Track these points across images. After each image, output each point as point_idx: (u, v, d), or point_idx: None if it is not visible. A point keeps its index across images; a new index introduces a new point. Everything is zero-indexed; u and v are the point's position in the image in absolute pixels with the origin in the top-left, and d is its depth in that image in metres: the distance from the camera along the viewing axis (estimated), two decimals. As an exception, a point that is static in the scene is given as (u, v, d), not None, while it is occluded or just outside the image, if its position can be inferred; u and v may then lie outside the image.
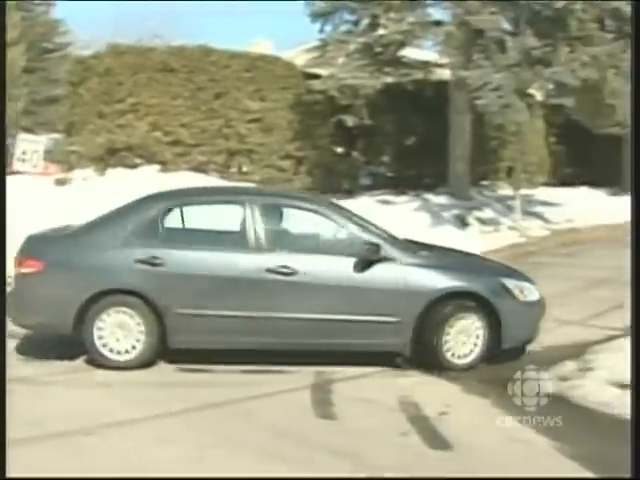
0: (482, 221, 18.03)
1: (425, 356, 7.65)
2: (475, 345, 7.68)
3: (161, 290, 7.41)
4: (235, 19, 62.21)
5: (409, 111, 20.46)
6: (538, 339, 8.26)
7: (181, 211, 8.11)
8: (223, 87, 19.18)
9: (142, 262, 7.42)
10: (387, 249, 7.63)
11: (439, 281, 7.71)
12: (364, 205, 16.84)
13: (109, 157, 18.27)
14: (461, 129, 19.06)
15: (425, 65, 19.70)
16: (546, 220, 19.86)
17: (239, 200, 7.99)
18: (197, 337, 7.53)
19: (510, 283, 7.92)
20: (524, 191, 20.62)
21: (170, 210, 7.95)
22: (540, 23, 17.10)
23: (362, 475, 5.11)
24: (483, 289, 7.73)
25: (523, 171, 21.83)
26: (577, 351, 8.13)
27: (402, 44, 18.16)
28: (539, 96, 20.91)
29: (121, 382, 6.97)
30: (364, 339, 7.64)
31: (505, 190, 21.34)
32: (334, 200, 16.75)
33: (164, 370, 7.35)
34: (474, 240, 16.50)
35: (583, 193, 23.88)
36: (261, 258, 7.51)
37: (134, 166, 18.20)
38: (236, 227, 7.79)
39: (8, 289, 7.71)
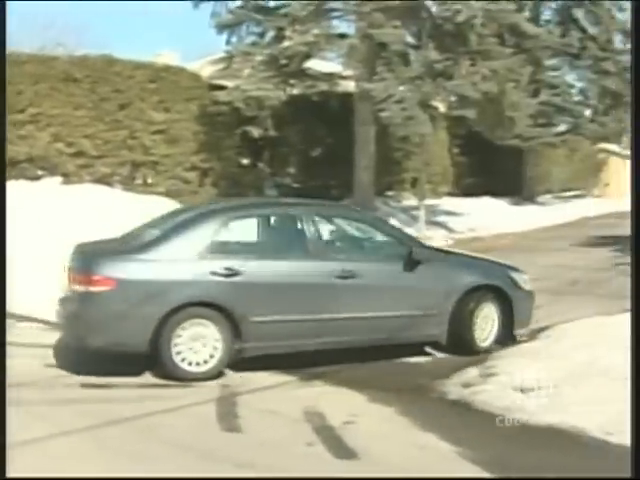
0: (387, 231, 18.26)
1: (458, 342, 8.67)
2: (492, 330, 8.83)
3: (236, 300, 7.63)
4: (142, 29, 61.71)
5: (315, 122, 20.61)
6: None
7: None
8: (127, 98, 18.91)
9: (217, 274, 7.59)
10: (425, 252, 8.69)
11: (466, 278, 8.80)
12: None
13: (10, 169, 17.77)
14: (366, 140, 19.27)
15: (330, 77, 19.85)
16: (450, 229, 20.22)
17: (297, 212, 8.50)
18: (271, 343, 7.88)
19: (516, 276, 9.16)
20: (428, 201, 20.96)
21: (235, 221, 8.22)
22: (442, 37, 17.46)
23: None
24: (500, 282, 8.95)
25: (427, 181, 22.18)
26: (479, 357, 8.29)
27: (307, 56, 18.27)
28: (442, 108, 21.27)
29: (22, 400, 6.79)
30: (411, 332, 8.50)
31: (410, 200, 21.67)
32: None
33: (68, 386, 7.19)
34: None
35: (485, 203, 24.43)
36: (326, 265, 8.10)
37: (36, 178, 17.77)
38: (294, 237, 8.36)
39: (65, 308, 7.68)
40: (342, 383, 7.52)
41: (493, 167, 26.84)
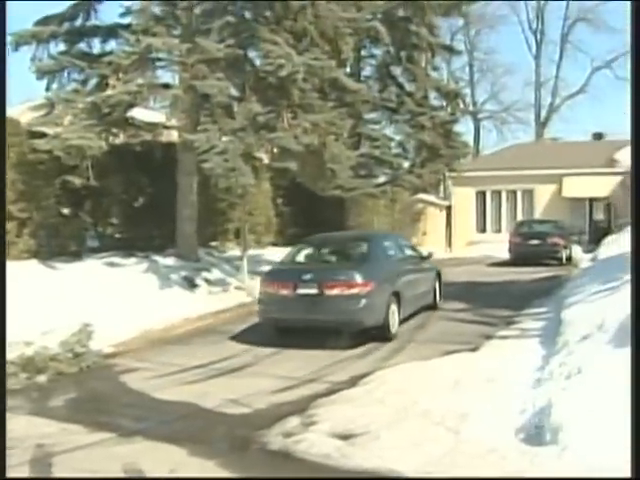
0: (210, 282, 18.13)
1: (435, 304, 15.83)
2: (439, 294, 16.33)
3: (401, 286, 13.43)
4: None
5: (138, 172, 20.36)
6: (266, 398, 8.87)
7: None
8: (-62, 144, 18.07)
9: (397, 272, 13.69)
10: (425, 257, 16.14)
11: (433, 268, 16.38)
12: (91, 268, 16.46)
13: None
14: (188, 191, 19.18)
15: (154, 127, 19.72)
16: (273, 279, 20.29)
17: (398, 240, 16.17)
18: (409, 308, 13.90)
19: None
20: (252, 251, 21.04)
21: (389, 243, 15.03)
22: (265, 90, 17.67)
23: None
24: (438, 268, 16.69)
25: (251, 232, 22.29)
26: (301, 406, 8.38)
27: (130, 105, 18.06)
28: (266, 159, 21.51)
29: None
30: (427, 300, 15.43)
31: (234, 250, 21.67)
32: (60, 262, 16.44)
33: None
34: (202, 301, 16.59)
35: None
36: (412, 266, 14.93)
37: None
38: (401, 252, 15.18)
39: (349, 304, 12.05)
40: (162, 438, 7.41)
41: (316, 217, 27.30)
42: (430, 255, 16.42)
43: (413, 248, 16.30)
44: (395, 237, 16.84)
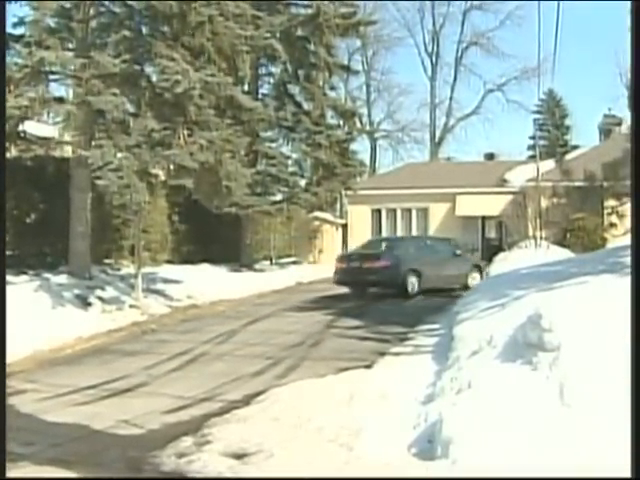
0: (104, 300, 17.80)
1: (467, 285, 22.80)
2: (475, 280, 23.55)
3: (420, 267, 22.24)
4: None
5: (30, 187, 19.92)
6: (159, 418, 8.75)
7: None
8: None
9: (417, 258, 22.86)
10: (459, 252, 25.51)
11: (469, 262, 25.47)
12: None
13: None
14: (82, 207, 18.81)
15: (46, 141, 19.32)
16: (168, 297, 20.10)
17: (431, 240, 28.39)
18: (430, 282, 22.28)
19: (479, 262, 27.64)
20: (147, 269, 20.79)
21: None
22: (161, 106, 17.52)
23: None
24: (479, 263, 26.46)
25: (146, 249, 22.03)
26: (195, 426, 8.29)
27: (22, 119, 17.66)
28: (162, 176, 21.33)
29: None
30: (454, 280, 23.45)
31: (129, 268, 21.36)
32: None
33: None
34: (95, 320, 16.29)
35: (204, 270, 24.61)
36: (443, 256, 24.22)
37: None
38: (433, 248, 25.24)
39: (365, 274, 22.05)
40: (52, 462, 7.20)
41: (213, 234, 27.21)
42: (461, 253, 25.67)
43: (452, 246, 25.93)
44: (423, 239, 29.90)
